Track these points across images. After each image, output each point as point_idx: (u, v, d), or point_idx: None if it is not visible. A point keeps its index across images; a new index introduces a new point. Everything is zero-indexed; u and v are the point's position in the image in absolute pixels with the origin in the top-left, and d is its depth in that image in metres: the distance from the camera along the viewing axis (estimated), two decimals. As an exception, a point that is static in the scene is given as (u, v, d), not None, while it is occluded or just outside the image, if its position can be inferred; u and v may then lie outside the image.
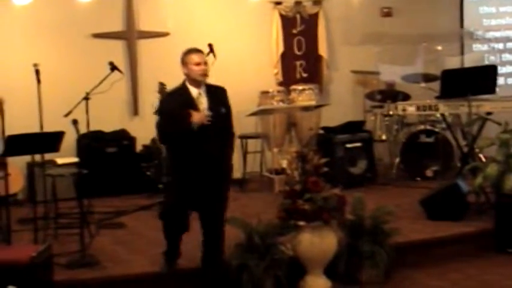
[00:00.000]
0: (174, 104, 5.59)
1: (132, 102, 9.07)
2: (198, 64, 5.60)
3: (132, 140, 8.89)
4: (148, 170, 8.57)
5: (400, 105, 8.80)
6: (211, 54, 8.18)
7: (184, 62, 5.63)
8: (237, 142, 8.91)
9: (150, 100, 8.42)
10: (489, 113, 8.47)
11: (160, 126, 5.64)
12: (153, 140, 8.80)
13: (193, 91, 5.64)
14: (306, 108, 8.76)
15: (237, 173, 8.91)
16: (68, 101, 6.61)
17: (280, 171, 8.17)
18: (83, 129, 6.20)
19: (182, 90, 5.66)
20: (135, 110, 9.07)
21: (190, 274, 5.82)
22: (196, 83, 5.63)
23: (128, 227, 7.21)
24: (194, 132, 5.53)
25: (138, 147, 8.93)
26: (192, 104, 5.59)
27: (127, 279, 5.71)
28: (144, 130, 8.72)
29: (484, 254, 6.68)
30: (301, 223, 5.84)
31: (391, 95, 9.14)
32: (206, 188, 5.64)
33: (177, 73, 8.02)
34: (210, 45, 8.21)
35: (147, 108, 8.56)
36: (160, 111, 5.72)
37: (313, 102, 8.85)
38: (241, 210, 7.36)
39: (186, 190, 5.60)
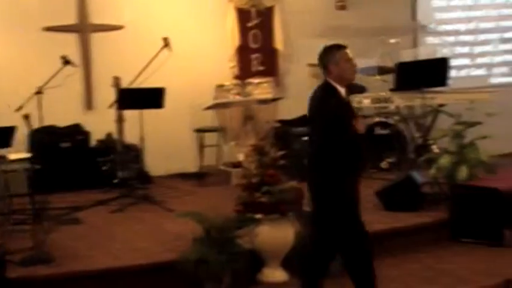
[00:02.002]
0: (338, 108, 4.89)
1: (86, 97, 8.96)
2: (350, 60, 5.00)
3: (86, 134, 8.79)
4: (104, 164, 8.49)
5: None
6: (166, 48, 8.14)
7: (333, 60, 4.93)
8: (193, 136, 8.92)
9: (104, 94, 8.35)
10: (442, 105, 8.60)
11: (338, 136, 4.88)
12: (108, 135, 8.72)
13: (342, 93, 4.96)
14: (263, 102, 8.76)
15: (193, 167, 8.91)
16: (19, 96, 6.51)
17: (237, 165, 8.16)
18: (35, 124, 6.11)
19: (333, 91, 4.93)
20: (89, 105, 8.96)
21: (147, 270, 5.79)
22: (343, 83, 4.98)
23: (85, 222, 7.13)
24: (356, 144, 4.93)
25: (93, 142, 8.84)
26: (350, 108, 5.01)
27: (88, 275, 5.64)
28: (99, 125, 8.64)
29: (439, 243, 6.78)
30: (259, 216, 5.86)
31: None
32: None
33: (132, 67, 8.02)
34: (166, 39, 8.16)
35: (102, 103, 8.47)
36: (335, 118, 4.88)
37: (269, 95, 8.86)
38: (199, 204, 7.35)
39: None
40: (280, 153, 6.17)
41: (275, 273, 5.91)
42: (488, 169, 7.39)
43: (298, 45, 9.56)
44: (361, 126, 4.94)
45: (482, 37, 10.22)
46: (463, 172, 7.14)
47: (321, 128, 4.91)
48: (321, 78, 9.56)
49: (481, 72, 10.19)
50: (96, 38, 8.92)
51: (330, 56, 4.97)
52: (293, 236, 5.93)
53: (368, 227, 6.32)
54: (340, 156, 4.88)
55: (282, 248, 5.90)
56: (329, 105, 4.88)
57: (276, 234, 5.84)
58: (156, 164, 8.82)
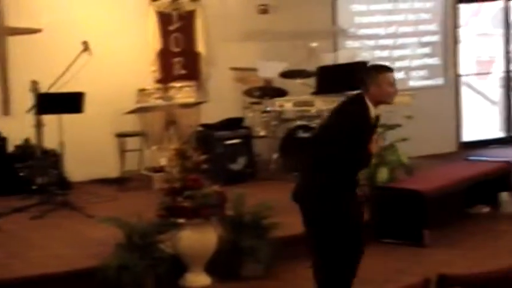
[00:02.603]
0: (361, 126, 4.77)
1: (3, 102, 8.73)
2: (392, 85, 4.83)
3: (3, 140, 8.56)
4: (22, 170, 8.29)
5: (278, 101, 8.94)
6: (86, 52, 8.01)
7: (376, 80, 4.76)
8: (115, 140, 8.80)
9: (22, 99, 8.14)
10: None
11: (342, 145, 4.72)
12: (26, 140, 8.52)
13: (372, 112, 4.81)
14: (185, 105, 8.72)
15: (115, 172, 8.79)
16: None
17: (159, 169, 8.09)
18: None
19: (365, 109, 4.77)
20: (6, 110, 8.73)
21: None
22: (378, 104, 4.81)
23: (3, 230, 6.94)
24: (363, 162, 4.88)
25: (10, 148, 8.62)
26: (371, 128, 4.84)
27: (6, 284, 5.48)
28: (16, 130, 8.42)
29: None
30: (181, 220, 5.82)
31: (269, 91, 9.23)
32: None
33: (51, 71, 7.85)
34: (85, 43, 8.03)
35: (19, 108, 8.26)
36: (357, 134, 4.75)
37: (192, 99, 8.82)
38: (120, 209, 7.24)
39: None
40: (203, 157, 6.15)
41: (198, 278, 5.88)
42: (408, 171, 7.54)
43: (220, 49, 9.55)
44: (375, 148, 4.85)
45: (401, 41, 10.42)
46: (383, 174, 7.26)
47: (337, 135, 4.77)
48: (246, 82, 9.62)
49: (400, 75, 10.39)
50: (13, 41, 8.70)
51: (374, 75, 4.82)
52: (216, 240, 5.91)
53: (290, 230, 6.40)
54: (342, 168, 4.80)
55: (204, 253, 5.87)
56: (357, 120, 4.77)
57: (199, 239, 5.81)
58: (76, 169, 8.66)
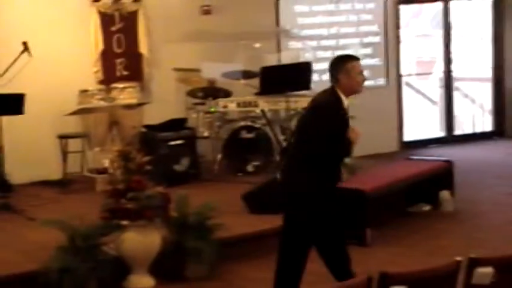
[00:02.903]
0: (338, 118, 4.85)
1: None
2: (360, 73, 4.94)
3: None
4: None
5: (221, 102, 8.94)
6: (26, 53, 7.89)
7: (344, 70, 4.85)
8: (57, 142, 8.68)
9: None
10: (305, 108, 8.78)
11: (322, 142, 4.79)
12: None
13: (344, 102, 4.90)
14: (128, 107, 8.64)
15: (57, 174, 8.67)
16: None
17: (102, 171, 8.01)
18: None
19: (337, 100, 4.87)
20: None
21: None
22: (349, 94, 4.92)
23: None
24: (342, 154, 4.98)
25: None
26: (346, 118, 4.92)
27: None
28: None
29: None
30: (125, 222, 5.78)
31: (212, 92, 9.22)
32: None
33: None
34: (25, 43, 7.91)
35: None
36: (333, 126, 4.82)
37: (134, 100, 8.74)
38: (63, 212, 7.12)
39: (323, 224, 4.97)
40: (146, 158, 6.11)
41: (142, 280, 5.84)
42: (350, 170, 7.61)
43: (163, 49, 9.50)
44: (354, 136, 4.89)
45: (343, 42, 10.52)
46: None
47: (316, 132, 4.84)
48: (189, 83, 9.60)
49: (342, 76, 10.48)
50: None
51: (342, 65, 4.91)
52: (159, 241, 5.88)
53: (234, 230, 6.42)
54: (327, 162, 4.89)
55: (148, 254, 5.84)
56: (332, 113, 4.85)
57: (143, 241, 5.77)
58: (17, 171, 8.50)
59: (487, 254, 3.91)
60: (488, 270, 3.75)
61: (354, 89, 4.93)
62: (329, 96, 4.91)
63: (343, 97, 4.89)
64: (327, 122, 4.82)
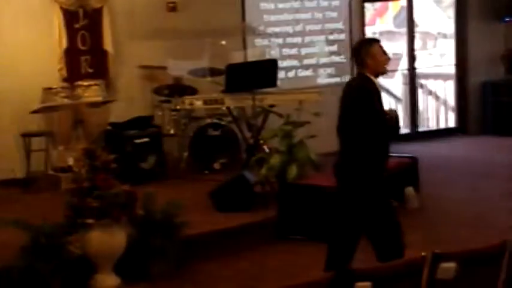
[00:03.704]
0: (374, 98, 5.16)
1: None
2: (384, 53, 5.24)
3: None
4: None
5: (187, 99, 8.89)
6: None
7: (369, 53, 5.16)
8: (20, 140, 8.58)
9: None
10: (272, 106, 8.79)
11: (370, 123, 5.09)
12: None
13: (376, 84, 5.24)
14: (93, 104, 8.56)
15: (20, 173, 8.57)
16: None
17: (67, 169, 7.93)
18: None
19: (370, 82, 5.18)
20: None
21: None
22: (376, 75, 5.24)
23: None
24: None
25: None
26: (380, 97, 5.24)
27: None
28: None
29: (270, 241, 6.91)
30: (90, 221, 5.73)
31: (178, 89, 9.19)
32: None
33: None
34: (-13, 40, 7.81)
35: None
36: (367, 106, 5.11)
37: (99, 98, 8.65)
38: (26, 211, 7.05)
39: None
40: (112, 156, 6.07)
41: (107, 279, 5.80)
42: (316, 167, 7.64)
43: (129, 47, 9.43)
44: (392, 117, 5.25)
45: (308, 39, 10.54)
46: (293, 171, 7.33)
47: (360, 115, 5.13)
48: (155, 81, 9.55)
49: (308, 73, 10.52)
50: None
51: (367, 49, 5.19)
52: (125, 240, 5.84)
53: (200, 228, 6.41)
54: (376, 142, 5.18)
55: (114, 253, 5.80)
56: (367, 94, 5.14)
57: (108, 239, 5.73)
58: (-21, 170, 8.41)
59: (450, 249, 3.94)
60: (451, 265, 3.79)
61: (381, 69, 5.23)
62: (361, 79, 5.21)
63: (373, 78, 5.18)
64: (366, 102, 5.11)
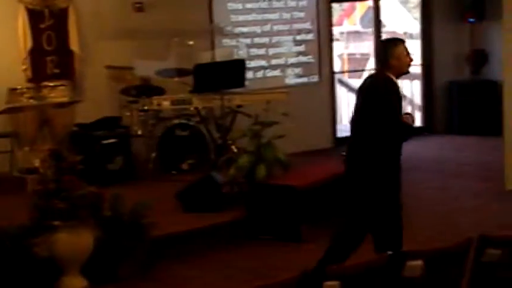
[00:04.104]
0: (397, 97, 5.25)
1: None
2: (408, 54, 5.27)
3: None
4: None
5: (155, 100, 8.86)
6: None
7: (396, 54, 5.21)
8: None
9: None
10: (240, 106, 8.80)
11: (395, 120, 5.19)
12: None
13: (398, 85, 5.30)
14: (59, 105, 8.50)
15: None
16: None
17: (32, 171, 7.85)
18: None
19: (392, 83, 5.25)
20: None
21: None
22: (399, 75, 5.29)
23: None
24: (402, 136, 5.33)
25: None
26: (401, 101, 5.33)
27: None
28: None
29: (239, 242, 6.91)
30: (57, 223, 5.67)
31: (146, 90, 9.14)
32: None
33: None
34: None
35: None
36: (391, 104, 5.20)
37: (65, 99, 8.60)
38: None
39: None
40: (79, 157, 6.02)
41: (74, 281, 5.75)
42: (284, 167, 7.65)
43: (96, 47, 9.36)
44: (410, 118, 5.36)
45: (276, 39, 10.56)
46: (261, 171, 7.34)
47: (380, 115, 5.19)
48: (123, 81, 9.48)
49: (276, 73, 10.53)
50: None
51: (392, 50, 5.22)
52: (92, 241, 5.80)
53: (168, 229, 6.38)
54: (391, 140, 5.27)
55: (81, 255, 5.75)
56: (391, 97, 5.20)
57: (75, 241, 5.68)
58: None
59: (417, 247, 3.97)
60: (418, 263, 3.82)
61: (404, 70, 5.28)
62: (384, 79, 5.23)
63: (394, 79, 5.23)
64: (389, 102, 5.17)
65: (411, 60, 5.30)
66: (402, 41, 5.36)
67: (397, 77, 5.28)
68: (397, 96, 5.26)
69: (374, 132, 5.23)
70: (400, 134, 5.31)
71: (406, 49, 5.27)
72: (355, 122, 5.47)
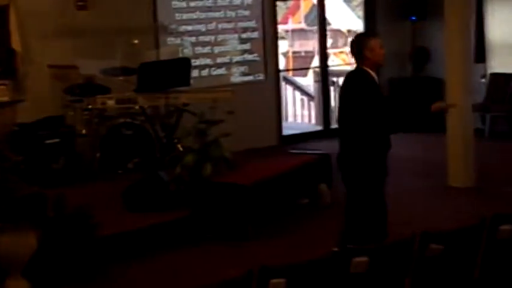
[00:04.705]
0: (374, 92, 5.46)
1: None
2: (382, 47, 5.51)
3: None
4: None
5: (100, 98, 8.75)
6: None
7: (368, 47, 5.44)
8: None
9: None
10: (186, 104, 8.76)
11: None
12: None
13: (375, 77, 5.50)
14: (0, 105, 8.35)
15: None
16: None
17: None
18: None
19: (369, 76, 5.46)
20: None
21: None
22: (375, 68, 5.51)
23: None
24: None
25: None
26: (380, 92, 5.53)
27: None
28: None
29: (184, 241, 6.89)
30: (-2, 224, 5.57)
31: (90, 88, 9.03)
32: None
33: None
34: None
35: None
36: (369, 98, 5.40)
37: (6, 98, 8.44)
38: None
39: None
40: (20, 158, 5.92)
41: (17, 284, 5.65)
42: (230, 165, 7.66)
43: (38, 46, 9.21)
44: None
45: (221, 37, 10.55)
46: (207, 169, 7.33)
47: (361, 110, 5.39)
48: (66, 80, 9.35)
49: (221, 71, 10.53)
50: None
51: (366, 43, 5.47)
52: (35, 243, 5.70)
53: (113, 228, 6.33)
54: (377, 136, 5.49)
55: (23, 257, 5.64)
56: (367, 89, 5.42)
57: (17, 243, 5.58)
58: None
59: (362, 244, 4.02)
60: (363, 259, 3.87)
61: (379, 62, 5.53)
62: (361, 73, 5.47)
63: (371, 72, 5.46)
64: (367, 95, 5.40)
65: (384, 52, 5.53)
66: (375, 35, 5.73)
67: (373, 70, 5.50)
68: (376, 88, 5.48)
69: (359, 127, 5.46)
70: (383, 126, 5.51)
71: (380, 42, 5.52)
72: (340, 120, 5.75)
